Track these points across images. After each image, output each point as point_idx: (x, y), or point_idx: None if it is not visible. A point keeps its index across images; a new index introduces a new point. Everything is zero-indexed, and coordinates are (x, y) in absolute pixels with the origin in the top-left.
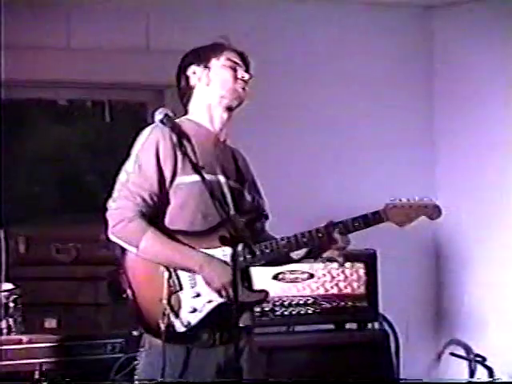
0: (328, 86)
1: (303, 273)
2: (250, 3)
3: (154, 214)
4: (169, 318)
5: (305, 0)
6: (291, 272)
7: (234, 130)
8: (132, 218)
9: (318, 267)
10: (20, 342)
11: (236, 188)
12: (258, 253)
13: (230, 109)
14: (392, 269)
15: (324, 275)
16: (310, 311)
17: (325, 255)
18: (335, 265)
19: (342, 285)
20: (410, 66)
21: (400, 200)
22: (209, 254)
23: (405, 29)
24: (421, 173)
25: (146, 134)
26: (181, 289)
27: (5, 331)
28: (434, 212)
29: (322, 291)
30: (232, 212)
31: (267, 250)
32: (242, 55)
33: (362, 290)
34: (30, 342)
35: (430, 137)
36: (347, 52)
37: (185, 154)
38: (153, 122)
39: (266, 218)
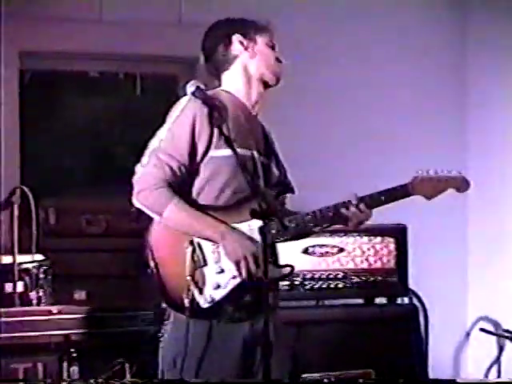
0: (358, 69)
1: (333, 247)
2: None
3: (181, 185)
4: (193, 294)
5: None
6: (321, 246)
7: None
8: (158, 185)
9: (348, 241)
10: (50, 312)
11: (265, 162)
12: (283, 228)
13: (266, 86)
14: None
15: (354, 249)
16: (339, 285)
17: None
18: (365, 239)
19: (372, 259)
20: (442, 52)
21: (428, 173)
22: (232, 226)
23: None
24: (452, 151)
25: (182, 105)
26: (205, 264)
27: (35, 302)
28: (461, 184)
29: (351, 265)
30: (262, 186)
31: (292, 225)
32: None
33: (392, 264)
34: (59, 312)
35: (462, 113)
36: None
37: (218, 127)
38: (184, 94)
39: (293, 191)
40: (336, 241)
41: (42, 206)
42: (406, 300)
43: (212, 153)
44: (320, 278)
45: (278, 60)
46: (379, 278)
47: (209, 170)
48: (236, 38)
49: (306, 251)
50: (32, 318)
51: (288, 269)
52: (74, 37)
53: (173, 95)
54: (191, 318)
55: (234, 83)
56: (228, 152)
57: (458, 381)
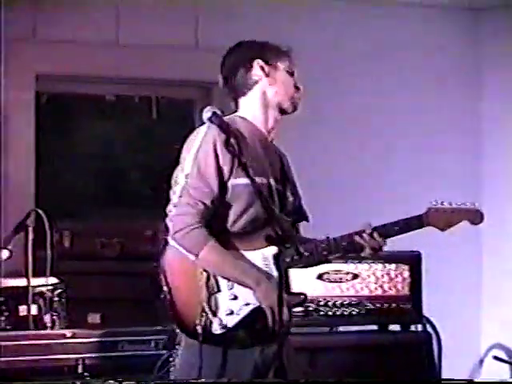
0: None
1: (348, 273)
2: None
3: (215, 218)
4: (206, 320)
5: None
6: (335, 272)
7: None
8: (194, 225)
9: (362, 268)
10: (63, 336)
11: (281, 190)
12: (298, 255)
13: (283, 112)
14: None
15: (368, 276)
16: (353, 312)
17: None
18: (380, 266)
19: (386, 286)
20: (458, 67)
21: (442, 204)
22: (265, 272)
23: (452, 30)
24: (466, 179)
25: (201, 135)
26: (218, 290)
27: (49, 325)
28: (476, 217)
29: (366, 292)
30: (277, 212)
31: (307, 253)
32: (294, 64)
33: (406, 291)
34: (73, 336)
35: (477, 140)
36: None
37: (235, 154)
38: (200, 119)
39: (307, 219)
40: (350, 267)
41: (57, 229)
42: (420, 327)
43: (232, 181)
44: (334, 305)
45: (296, 87)
46: (393, 305)
47: (228, 197)
48: (257, 62)
49: (320, 277)
50: (46, 341)
51: (301, 297)
52: (91, 60)
53: (189, 119)
54: (204, 343)
55: (251, 109)
56: (245, 180)
57: None
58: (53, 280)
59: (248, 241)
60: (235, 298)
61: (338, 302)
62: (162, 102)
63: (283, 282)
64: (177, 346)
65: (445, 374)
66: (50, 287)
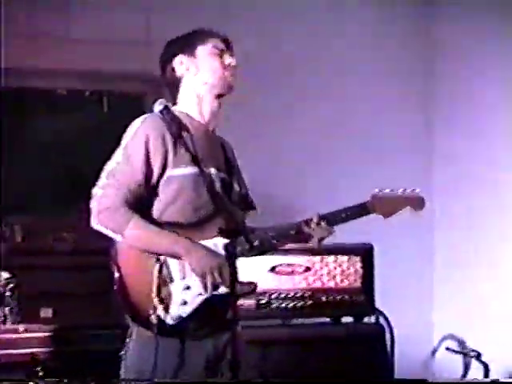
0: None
1: (300, 266)
2: None
3: (140, 205)
4: (160, 310)
5: None
6: (288, 265)
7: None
8: (117, 206)
9: (314, 260)
10: (16, 331)
11: (226, 179)
12: (246, 245)
13: (219, 97)
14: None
15: (321, 268)
16: (306, 304)
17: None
18: (332, 258)
19: (338, 278)
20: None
21: (384, 191)
22: (194, 241)
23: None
24: (417, 167)
25: (136, 125)
26: (171, 281)
27: (1, 320)
28: (418, 203)
29: (318, 284)
30: (228, 204)
31: (257, 242)
32: (226, 41)
33: (359, 283)
34: (25, 331)
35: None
36: (348, 45)
37: (174, 146)
38: (151, 112)
39: (254, 208)
40: (303, 260)
41: (8, 223)
42: (373, 319)
43: (170, 171)
44: (286, 297)
45: (228, 65)
46: (346, 297)
47: (168, 189)
48: (177, 60)
49: (272, 270)
50: None
51: (251, 286)
52: (42, 54)
53: (140, 113)
54: (158, 334)
55: (186, 104)
56: (187, 170)
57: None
58: (5, 275)
59: (198, 232)
60: (188, 288)
61: (290, 295)
62: (113, 96)
63: (235, 271)
64: (127, 340)
65: (398, 366)
66: (2, 282)
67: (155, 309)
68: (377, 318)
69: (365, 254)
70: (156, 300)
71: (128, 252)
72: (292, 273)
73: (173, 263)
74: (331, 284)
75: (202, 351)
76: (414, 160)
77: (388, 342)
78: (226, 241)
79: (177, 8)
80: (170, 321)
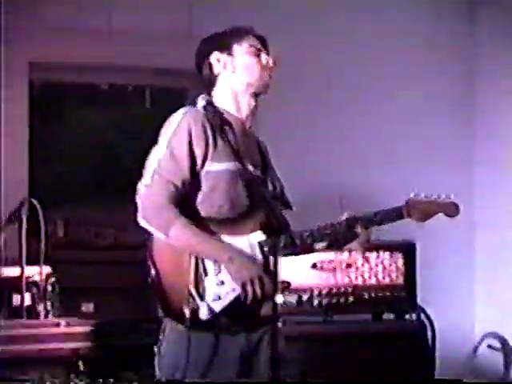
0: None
1: (341, 262)
2: None
3: (185, 199)
4: (193, 304)
5: None
6: (330, 261)
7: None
8: (163, 205)
9: (356, 257)
10: (57, 325)
11: (261, 177)
12: (283, 243)
13: (256, 95)
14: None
15: (362, 265)
16: (348, 301)
17: (346, 247)
18: (374, 255)
19: (380, 275)
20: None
21: (419, 196)
22: (237, 248)
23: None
24: (459, 168)
25: (177, 120)
26: (206, 275)
27: (42, 314)
28: (451, 209)
29: (360, 281)
30: (265, 200)
31: (289, 241)
32: (262, 40)
33: (401, 280)
34: (67, 325)
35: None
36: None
37: (214, 140)
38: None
39: (290, 208)
40: (344, 256)
41: (51, 219)
42: (414, 316)
43: (210, 165)
44: (328, 294)
45: (265, 64)
46: (387, 294)
47: (208, 183)
48: (213, 57)
49: (314, 266)
50: (39, 330)
51: (284, 284)
52: (84, 48)
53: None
54: (191, 329)
55: (223, 99)
56: (226, 165)
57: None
58: (47, 269)
59: (233, 228)
60: (222, 283)
61: (332, 291)
62: (155, 91)
63: (269, 269)
64: (161, 335)
65: (439, 363)
66: (43, 276)
67: (189, 303)
68: (418, 315)
69: (407, 250)
70: (190, 294)
71: (164, 247)
72: (334, 269)
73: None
74: (373, 281)
75: (236, 346)
76: (455, 162)
77: (429, 339)
78: (262, 238)
79: (217, 3)
80: (203, 315)
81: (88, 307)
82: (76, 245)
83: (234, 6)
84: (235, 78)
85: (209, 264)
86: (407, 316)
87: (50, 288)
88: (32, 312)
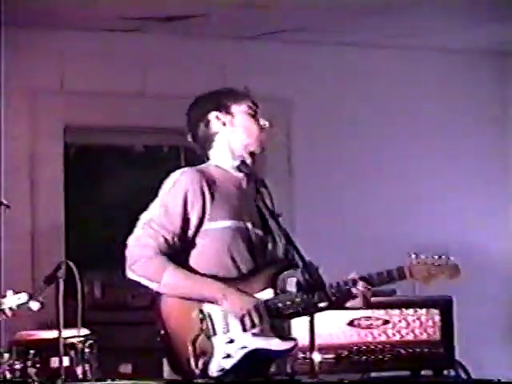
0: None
1: (378, 319)
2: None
3: (176, 257)
4: (203, 363)
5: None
6: (366, 318)
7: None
8: (153, 255)
9: (393, 313)
10: None
11: (261, 235)
12: (289, 302)
13: (253, 155)
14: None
15: (399, 321)
16: (385, 357)
17: (348, 305)
18: (411, 311)
19: (417, 331)
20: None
21: (420, 257)
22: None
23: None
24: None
25: (174, 178)
26: (214, 334)
27: (80, 377)
28: (453, 271)
29: (397, 337)
30: (260, 259)
31: (298, 299)
32: (256, 104)
33: (438, 336)
34: None
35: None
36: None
37: (217, 199)
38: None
39: (296, 266)
40: (381, 313)
41: (88, 280)
42: (453, 372)
43: (208, 224)
44: (366, 351)
45: (260, 127)
46: (425, 350)
47: (205, 242)
48: (213, 115)
49: (351, 323)
50: None
51: (292, 342)
52: (118, 111)
53: None
54: None
55: (221, 158)
56: (224, 224)
57: None
58: (84, 331)
59: (240, 285)
60: (231, 341)
61: (370, 348)
62: (189, 151)
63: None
64: None
65: None
66: (81, 338)
67: (198, 361)
68: (457, 371)
69: (444, 306)
70: (200, 352)
71: (174, 303)
72: (370, 326)
73: (216, 317)
74: (410, 337)
75: None
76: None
77: None
78: (270, 296)
79: (250, 63)
80: (213, 373)
81: (126, 368)
82: (113, 306)
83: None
84: (234, 136)
85: (217, 323)
86: (445, 372)
87: (87, 350)
88: (70, 374)
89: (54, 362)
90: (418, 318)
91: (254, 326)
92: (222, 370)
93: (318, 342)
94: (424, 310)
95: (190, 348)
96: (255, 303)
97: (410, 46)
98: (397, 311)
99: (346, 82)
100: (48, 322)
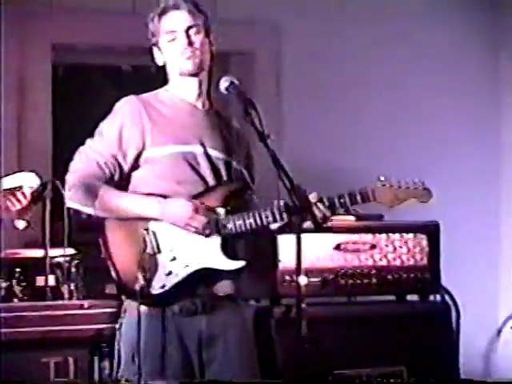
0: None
1: (365, 243)
2: None
3: (117, 184)
4: (145, 280)
5: None
6: (353, 242)
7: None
8: (85, 180)
9: (380, 238)
10: (81, 307)
11: (218, 157)
12: (239, 222)
13: (193, 75)
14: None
15: (386, 246)
16: (371, 282)
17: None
18: (397, 236)
19: (404, 256)
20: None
21: (387, 180)
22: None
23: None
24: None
25: (117, 106)
26: (159, 251)
27: (66, 296)
28: (423, 194)
29: (384, 262)
30: (210, 181)
31: (249, 220)
32: (175, 8)
33: (425, 261)
34: (91, 307)
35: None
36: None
37: (153, 125)
38: (216, 88)
39: (250, 189)
40: (368, 238)
41: None
42: (438, 297)
43: (147, 153)
44: (353, 275)
45: (182, 45)
46: (411, 275)
47: (146, 169)
48: (154, 51)
49: (337, 247)
50: (63, 312)
51: (241, 263)
52: (107, 30)
53: None
54: (143, 304)
55: (172, 83)
56: (164, 151)
57: (489, 381)
58: (70, 251)
59: None
60: (174, 258)
61: (356, 272)
62: None
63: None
64: (122, 314)
65: (462, 345)
66: (67, 258)
67: (141, 278)
68: (442, 297)
69: (431, 231)
70: (143, 269)
71: (115, 224)
72: (357, 250)
73: (161, 234)
74: (397, 262)
75: (194, 328)
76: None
77: (453, 321)
78: (221, 214)
79: None
80: (154, 290)
81: (112, 289)
82: (100, 225)
83: None
84: (167, 60)
85: (162, 240)
86: (431, 297)
87: (73, 270)
88: (56, 294)
89: (40, 280)
90: (406, 243)
91: (207, 230)
92: (163, 286)
93: (304, 265)
94: (411, 235)
95: (135, 266)
96: (194, 206)
97: None
98: (384, 236)
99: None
100: (34, 242)
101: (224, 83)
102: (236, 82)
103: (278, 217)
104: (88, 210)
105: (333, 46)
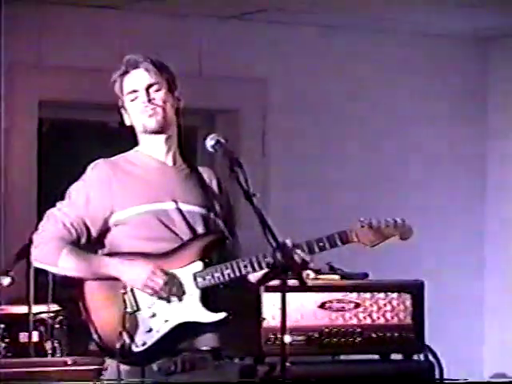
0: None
1: (350, 302)
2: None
3: (80, 245)
4: (124, 338)
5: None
6: (338, 301)
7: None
8: (50, 239)
9: (364, 297)
10: (65, 363)
11: (192, 211)
12: (217, 274)
13: (157, 132)
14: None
15: (371, 305)
16: (356, 341)
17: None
18: (382, 295)
19: (388, 315)
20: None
21: (367, 221)
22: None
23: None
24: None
25: (87, 170)
26: (138, 309)
27: (50, 352)
28: (405, 231)
29: (368, 321)
30: (186, 236)
31: (227, 271)
32: (134, 66)
33: (409, 320)
34: (74, 363)
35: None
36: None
37: (122, 187)
38: (203, 146)
39: (227, 239)
40: (353, 296)
41: None
42: (422, 356)
43: (117, 215)
44: (337, 333)
45: (146, 101)
46: (395, 334)
47: (118, 229)
48: (122, 112)
49: (322, 306)
50: (47, 368)
51: (223, 315)
52: (93, 87)
53: (192, 147)
54: (124, 363)
55: (141, 144)
56: (134, 210)
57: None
58: (54, 307)
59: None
60: (154, 315)
61: (340, 331)
62: None
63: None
64: (103, 372)
65: None
66: (51, 314)
67: (120, 336)
68: (426, 356)
69: (415, 290)
70: (123, 328)
71: (95, 283)
72: (342, 309)
73: (139, 292)
74: (381, 321)
75: None
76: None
77: (437, 380)
78: (199, 269)
79: (228, 44)
80: (135, 348)
81: (95, 345)
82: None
83: (242, 50)
84: (132, 120)
85: (141, 298)
86: (415, 356)
87: (57, 326)
88: (39, 350)
89: (24, 337)
90: (390, 302)
91: (168, 297)
92: (144, 344)
93: (288, 323)
94: (395, 294)
95: (115, 326)
96: (151, 267)
97: (390, 29)
98: (368, 295)
99: (324, 61)
100: (18, 298)
101: (210, 141)
102: (222, 140)
103: (256, 266)
104: (51, 269)
105: (319, 102)
